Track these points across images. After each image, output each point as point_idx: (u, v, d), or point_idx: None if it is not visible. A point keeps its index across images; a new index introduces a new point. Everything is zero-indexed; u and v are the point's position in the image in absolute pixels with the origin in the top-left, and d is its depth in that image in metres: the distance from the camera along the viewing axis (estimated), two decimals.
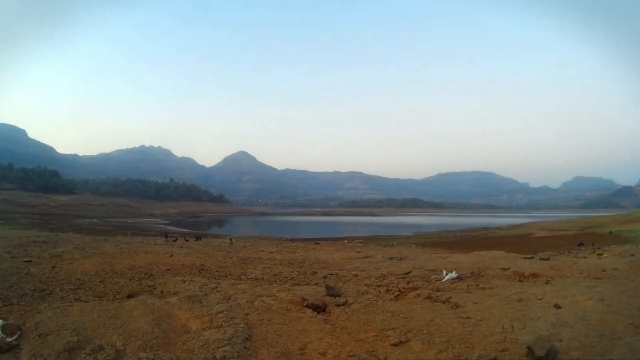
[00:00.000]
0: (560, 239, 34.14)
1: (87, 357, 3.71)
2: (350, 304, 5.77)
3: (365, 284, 7.79)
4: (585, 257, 12.69)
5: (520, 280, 7.95)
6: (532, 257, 12.03)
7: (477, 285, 7.36)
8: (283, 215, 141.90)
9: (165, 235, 25.65)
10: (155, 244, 16.02)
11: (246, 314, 5.17)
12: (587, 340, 4.01)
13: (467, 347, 4.11)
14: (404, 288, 7.08)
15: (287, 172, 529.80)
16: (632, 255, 12.39)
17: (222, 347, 4.01)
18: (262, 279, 8.59)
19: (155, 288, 6.94)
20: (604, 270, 8.61)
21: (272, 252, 15.36)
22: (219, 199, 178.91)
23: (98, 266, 8.75)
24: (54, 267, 8.27)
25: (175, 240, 20.07)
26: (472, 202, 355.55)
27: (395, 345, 4.28)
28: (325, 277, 9.01)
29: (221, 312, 4.99)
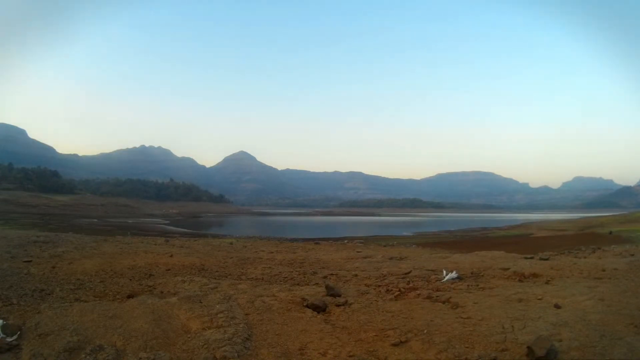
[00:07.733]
0: (560, 239, 34.14)
1: (87, 357, 3.70)
2: (351, 304, 5.76)
3: (365, 284, 7.78)
4: (585, 257, 12.69)
5: (520, 280, 7.94)
6: (532, 257, 12.01)
7: (477, 285, 7.35)
8: (283, 215, 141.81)
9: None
10: (155, 244, 16.01)
11: (246, 314, 5.16)
12: (587, 340, 4.00)
13: (467, 347, 4.09)
14: (404, 288, 7.07)
15: (287, 172, 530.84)
16: (632, 255, 12.36)
17: (223, 347, 4.01)
18: (262, 279, 8.58)
19: (155, 288, 6.94)
20: (604, 270, 8.59)
21: (272, 252, 15.34)
22: (219, 199, 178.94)
23: (98, 266, 8.76)
24: (54, 267, 8.28)
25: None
26: (472, 202, 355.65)
27: (395, 345, 4.27)
28: (325, 277, 8.99)
29: (221, 312, 4.98)
